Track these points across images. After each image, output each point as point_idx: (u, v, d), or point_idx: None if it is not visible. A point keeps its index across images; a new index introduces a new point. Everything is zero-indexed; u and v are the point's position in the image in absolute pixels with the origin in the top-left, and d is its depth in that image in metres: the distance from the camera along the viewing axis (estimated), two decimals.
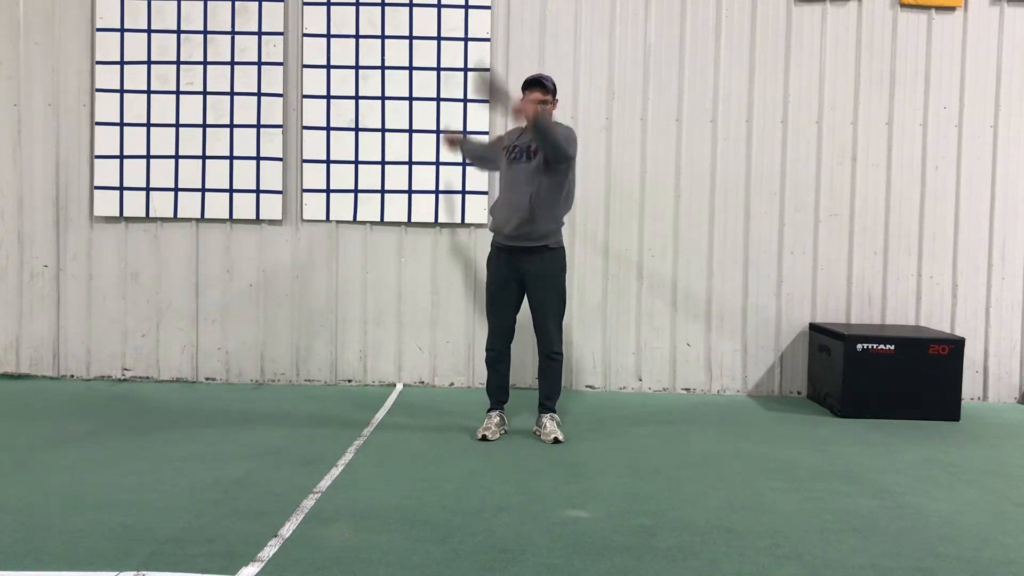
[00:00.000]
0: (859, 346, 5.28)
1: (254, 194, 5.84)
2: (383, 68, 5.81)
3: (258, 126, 5.83)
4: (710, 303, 5.89)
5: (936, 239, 5.86)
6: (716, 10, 5.81)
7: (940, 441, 4.77)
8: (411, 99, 5.82)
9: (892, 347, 5.28)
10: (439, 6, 5.79)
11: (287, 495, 3.54)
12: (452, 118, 5.78)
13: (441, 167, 5.82)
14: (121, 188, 5.84)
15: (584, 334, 5.90)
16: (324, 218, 5.86)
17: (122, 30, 5.80)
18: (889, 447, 4.61)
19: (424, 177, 5.82)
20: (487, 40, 5.79)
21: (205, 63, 5.82)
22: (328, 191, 5.84)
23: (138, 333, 5.93)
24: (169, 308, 5.92)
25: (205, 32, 5.81)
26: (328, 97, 5.81)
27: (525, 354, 5.66)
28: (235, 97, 5.83)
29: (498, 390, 4.71)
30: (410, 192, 5.83)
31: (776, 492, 3.76)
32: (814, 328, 5.78)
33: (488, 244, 4.74)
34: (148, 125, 5.83)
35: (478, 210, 5.80)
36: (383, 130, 5.82)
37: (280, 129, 5.83)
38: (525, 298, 4.65)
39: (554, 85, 4.56)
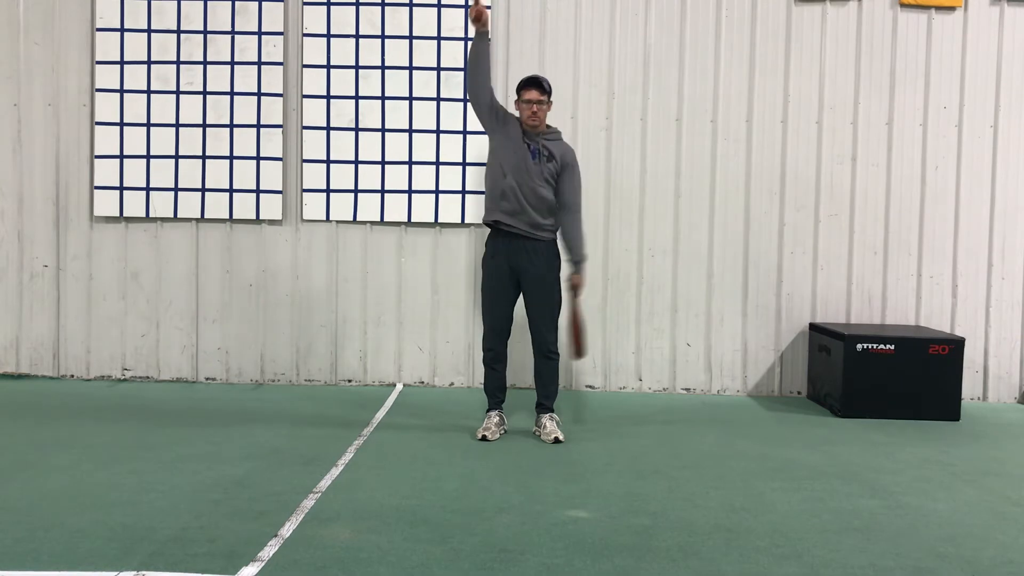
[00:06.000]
0: (859, 346, 5.28)
1: (254, 194, 5.84)
2: (383, 68, 5.81)
3: (258, 126, 5.83)
4: (710, 303, 5.88)
5: (936, 239, 5.86)
6: (716, 10, 5.81)
7: (940, 441, 4.77)
8: (411, 99, 5.82)
9: (892, 347, 5.28)
10: (439, 6, 5.79)
11: (287, 495, 3.54)
12: (451, 118, 5.79)
13: (441, 167, 5.82)
14: (121, 188, 5.84)
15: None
16: (324, 218, 5.86)
17: (122, 30, 5.80)
18: (889, 447, 4.60)
19: (424, 177, 5.82)
20: None
21: (205, 63, 5.81)
22: (328, 191, 5.84)
23: (138, 333, 5.92)
24: (169, 308, 5.92)
25: (205, 32, 5.80)
26: (328, 97, 5.81)
27: (524, 354, 5.65)
28: (235, 97, 5.82)
29: (498, 390, 4.71)
30: (410, 192, 5.83)
31: (776, 492, 3.76)
32: (814, 328, 5.78)
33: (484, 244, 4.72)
34: (148, 125, 5.83)
35: (479, 210, 5.79)
36: (383, 130, 5.82)
37: (280, 129, 5.83)
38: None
39: (550, 86, 4.58)
